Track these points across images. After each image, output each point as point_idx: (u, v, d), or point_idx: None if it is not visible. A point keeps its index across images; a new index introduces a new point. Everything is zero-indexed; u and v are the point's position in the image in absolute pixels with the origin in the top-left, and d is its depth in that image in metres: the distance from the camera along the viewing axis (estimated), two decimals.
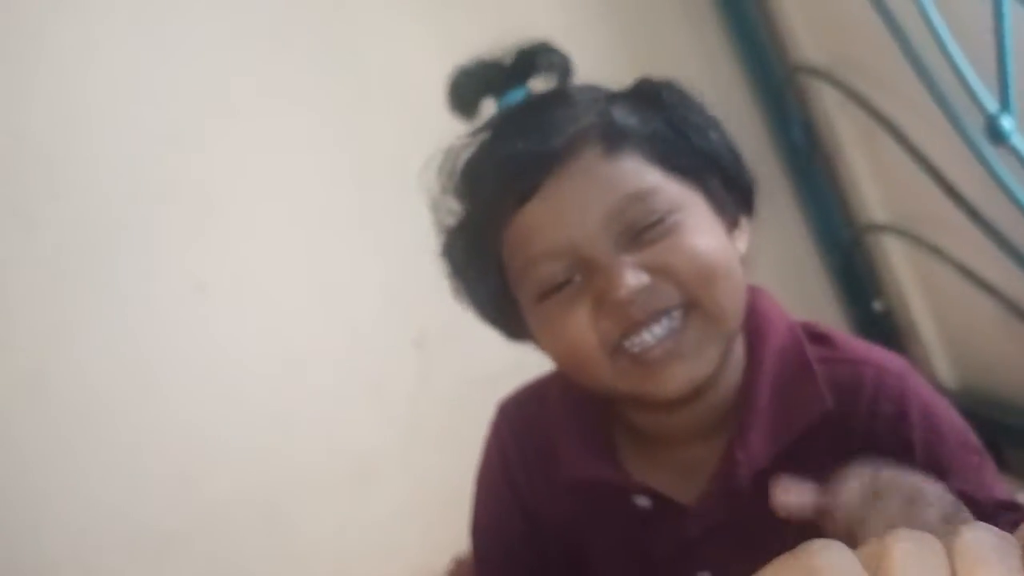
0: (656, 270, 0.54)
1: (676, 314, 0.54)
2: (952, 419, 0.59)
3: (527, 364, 1.17)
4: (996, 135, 0.70)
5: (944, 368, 1.10)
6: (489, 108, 0.63)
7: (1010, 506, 0.57)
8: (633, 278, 0.53)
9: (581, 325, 0.55)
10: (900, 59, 0.86)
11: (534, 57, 0.62)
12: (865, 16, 0.89)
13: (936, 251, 0.99)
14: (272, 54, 1.11)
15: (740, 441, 0.57)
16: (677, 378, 0.54)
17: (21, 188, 1.07)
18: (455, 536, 1.06)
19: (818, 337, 0.62)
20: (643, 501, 0.60)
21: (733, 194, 0.60)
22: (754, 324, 0.61)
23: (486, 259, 0.59)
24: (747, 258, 0.60)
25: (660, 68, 1.21)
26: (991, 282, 0.92)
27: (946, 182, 0.91)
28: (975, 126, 0.76)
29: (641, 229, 0.55)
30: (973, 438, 0.60)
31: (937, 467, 0.54)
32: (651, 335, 0.54)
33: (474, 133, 0.61)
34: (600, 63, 1.27)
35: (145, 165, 1.08)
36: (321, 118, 1.11)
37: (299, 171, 1.12)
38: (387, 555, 1.07)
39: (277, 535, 1.07)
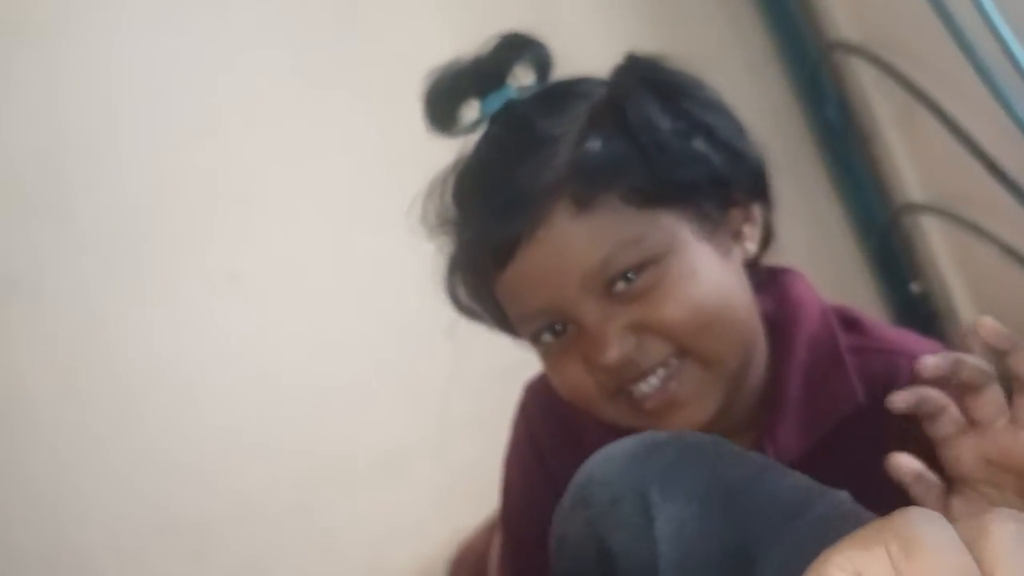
0: (644, 328, 0.53)
1: (672, 362, 0.54)
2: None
3: None
4: None
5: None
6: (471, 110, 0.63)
7: None
8: (618, 346, 0.53)
9: (577, 374, 0.55)
10: (940, 34, 0.83)
11: (511, 53, 0.61)
12: None
13: (976, 230, 0.97)
14: (304, 42, 1.11)
15: (769, 436, 0.56)
16: (678, 423, 0.54)
17: (54, 182, 1.08)
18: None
19: (852, 323, 0.61)
20: None
21: (736, 187, 0.57)
22: (786, 310, 0.60)
23: (487, 304, 0.60)
24: (758, 254, 0.59)
25: (690, 45, 1.20)
26: None
27: (990, 160, 0.88)
28: (1021, 103, 0.74)
29: (624, 286, 0.54)
30: None
31: None
32: (648, 385, 0.54)
33: (451, 169, 0.62)
34: (628, 38, 1.25)
35: (178, 157, 1.09)
36: (354, 107, 1.11)
37: (331, 162, 1.11)
38: (418, 545, 1.07)
39: (309, 525, 1.07)
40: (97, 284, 1.08)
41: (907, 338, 0.61)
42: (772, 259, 1.21)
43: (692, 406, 0.54)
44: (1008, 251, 0.92)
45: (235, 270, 1.10)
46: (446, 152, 1.13)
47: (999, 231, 0.94)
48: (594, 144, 0.55)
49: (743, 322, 0.56)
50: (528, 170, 0.55)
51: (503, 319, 0.60)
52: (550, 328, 0.56)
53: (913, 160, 1.07)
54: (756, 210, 0.59)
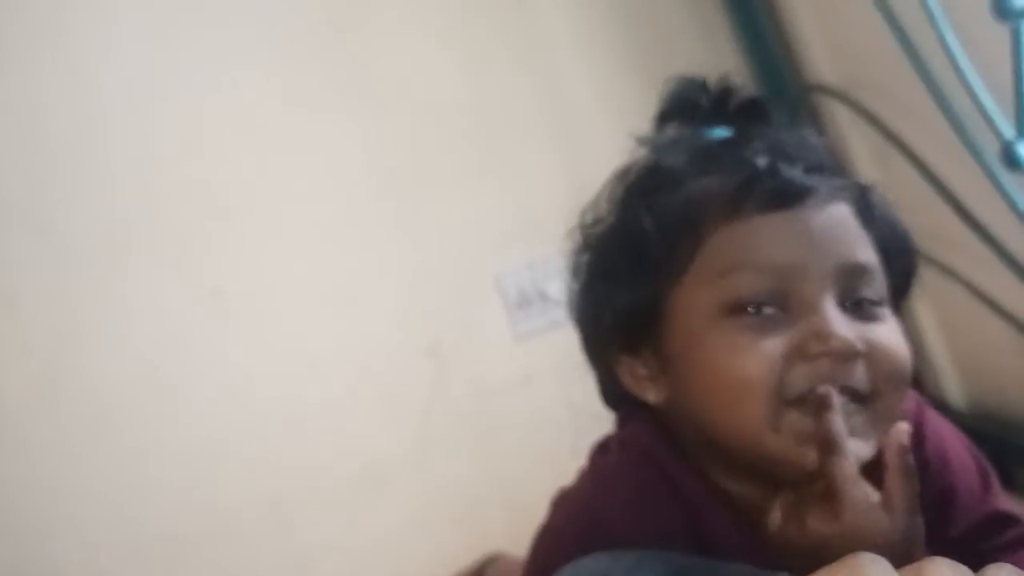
0: (864, 347, 0.51)
1: (855, 401, 0.51)
2: (957, 445, 0.60)
3: (537, 378, 1.18)
4: (1012, 161, 0.71)
5: (954, 388, 1.10)
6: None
7: (1012, 520, 0.57)
8: (851, 332, 0.50)
9: (769, 357, 0.50)
10: (915, 81, 0.87)
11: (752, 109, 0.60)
12: (881, 37, 0.90)
13: (948, 272, 1.00)
14: (294, 62, 1.12)
15: None
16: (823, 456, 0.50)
17: (35, 192, 1.08)
18: (466, 545, 1.07)
19: None
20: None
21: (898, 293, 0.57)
22: None
23: (675, 247, 0.53)
24: None
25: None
26: (1002, 304, 0.92)
27: (959, 204, 0.92)
28: (990, 151, 0.77)
29: (860, 302, 0.52)
30: (978, 458, 0.60)
31: (947, 491, 0.56)
32: (833, 396, 0.50)
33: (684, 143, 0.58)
34: (613, 81, 1.28)
35: (162, 169, 1.09)
36: (341, 127, 1.12)
37: (317, 179, 1.12)
38: (397, 563, 1.07)
39: (287, 542, 1.07)
40: (77, 296, 1.08)
41: None
42: None
43: (852, 443, 0.50)
44: (977, 294, 0.95)
45: (218, 285, 1.10)
46: (436, 176, 1.15)
47: (969, 272, 0.97)
48: (867, 196, 0.56)
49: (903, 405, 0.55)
50: (826, 161, 0.56)
51: (650, 293, 0.54)
52: (749, 303, 0.51)
53: (890, 201, 1.10)
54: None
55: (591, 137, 1.17)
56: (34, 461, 1.05)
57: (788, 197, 0.52)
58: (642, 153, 0.60)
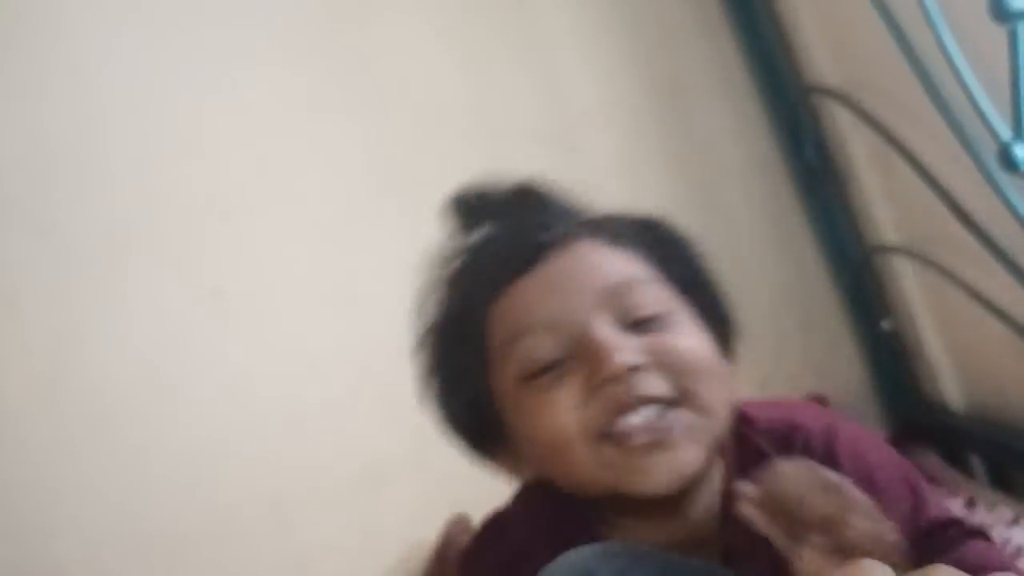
0: (650, 356, 0.53)
1: (664, 407, 0.53)
2: (881, 455, 0.60)
3: None
4: (1009, 163, 0.71)
5: (951, 390, 1.10)
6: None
7: (950, 523, 0.58)
8: (627, 354, 0.52)
9: (566, 407, 0.53)
10: (915, 83, 0.87)
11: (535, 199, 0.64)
12: (880, 39, 0.90)
13: (946, 273, 1.00)
14: (294, 61, 1.12)
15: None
16: (662, 469, 0.52)
17: (36, 191, 1.08)
18: None
19: (748, 420, 0.62)
20: None
21: (717, 329, 0.60)
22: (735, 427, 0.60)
23: (471, 341, 0.58)
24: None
25: (676, 86, 1.23)
26: (1001, 305, 0.93)
27: (957, 206, 0.92)
28: (988, 153, 0.77)
29: (635, 319, 0.55)
30: (904, 467, 0.60)
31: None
32: (638, 417, 0.52)
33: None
34: (615, 82, 1.28)
35: (161, 169, 1.10)
36: (341, 127, 1.12)
37: (317, 179, 1.13)
38: (395, 560, 1.07)
39: (287, 540, 1.07)
40: (78, 296, 1.08)
41: (794, 412, 0.63)
42: (746, 293, 1.23)
43: (678, 452, 0.52)
44: (975, 295, 0.95)
45: (218, 285, 1.11)
46: (436, 176, 1.15)
47: (967, 274, 0.97)
48: (621, 222, 0.61)
49: (729, 396, 0.57)
50: (564, 213, 0.60)
51: (472, 377, 0.58)
52: (541, 365, 0.54)
53: (887, 202, 1.11)
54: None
55: (590, 137, 1.17)
56: (35, 460, 1.05)
57: (526, 258, 0.56)
58: (439, 263, 0.65)
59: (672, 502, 0.54)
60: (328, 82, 1.13)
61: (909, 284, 1.11)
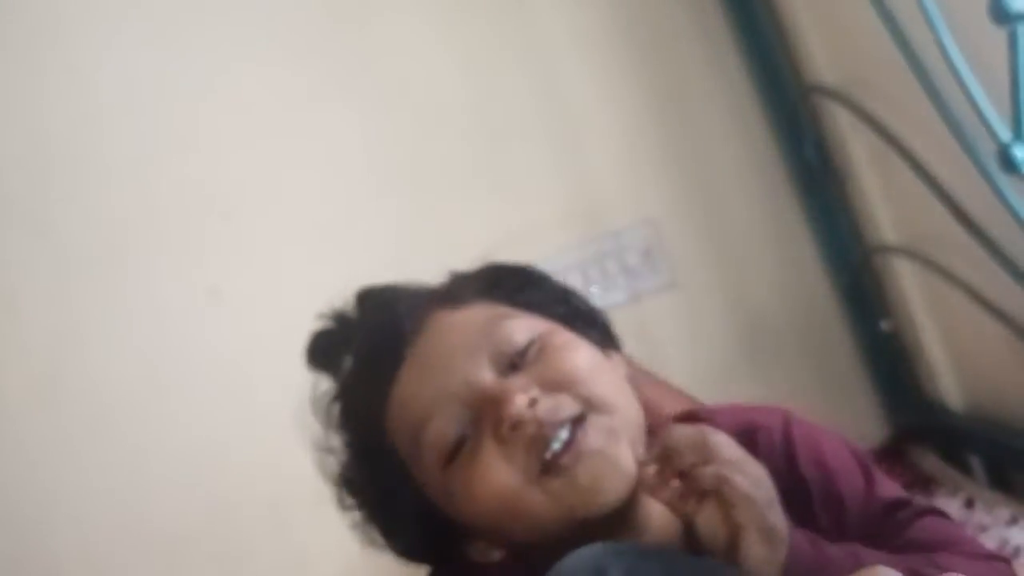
0: (540, 384, 0.55)
1: (576, 422, 0.55)
2: (834, 447, 0.62)
3: None
4: (1008, 164, 0.71)
5: (951, 390, 1.10)
6: None
7: (901, 503, 0.60)
8: (522, 393, 0.54)
9: (494, 466, 0.55)
10: (914, 83, 0.87)
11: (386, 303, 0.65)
12: (880, 39, 0.90)
13: (945, 273, 1.00)
14: (293, 60, 1.12)
15: None
16: (605, 476, 0.54)
17: (34, 190, 1.08)
18: None
19: (697, 420, 0.63)
20: None
21: (590, 330, 0.61)
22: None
23: (383, 462, 0.59)
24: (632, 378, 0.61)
25: (675, 86, 1.23)
26: (1000, 306, 0.93)
27: (957, 206, 0.92)
28: (988, 154, 0.77)
29: (512, 356, 0.56)
30: (856, 452, 0.62)
31: (834, 498, 0.58)
32: (559, 441, 0.54)
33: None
34: (614, 82, 1.28)
35: (159, 169, 1.10)
36: (340, 127, 1.12)
37: (317, 178, 1.13)
38: (392, 561, 1.07)
39: (285, 538, 1.07)
40: (76, 294, 1.08)
41: (745, 413, 0.64)
42: (745, 292, 1.23)
43: (609, 451, 0.54)
44: (975, 295, 0.95)
45: (216, 284, 1.11)
46: (434, 175, 1.15)
47: (967, 274, 0.97)
48: (458, 278, 0.63)
49: (629, 393, 0.59)
50: (405, 300, 0.62)
51: (402, 491, 0.59)
52: (451, 446, 0.56)
53: (887, 202, 1.11)
54: (614, 354, 0.63)
55: (590, 137, 1.17)
56: (34, 459, 1.05)
57: (394, 359, 0.58)
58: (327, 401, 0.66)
59: (627, 516, 0.56)
60: (328, 81, 1.13)
61: (908, 284, 1.11)
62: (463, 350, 0.57)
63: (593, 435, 0.54)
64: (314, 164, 1.13)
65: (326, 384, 0.65)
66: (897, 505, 0.59)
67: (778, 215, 1.18)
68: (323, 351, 0.65)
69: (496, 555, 0.61)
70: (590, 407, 0.55)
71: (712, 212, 1.18)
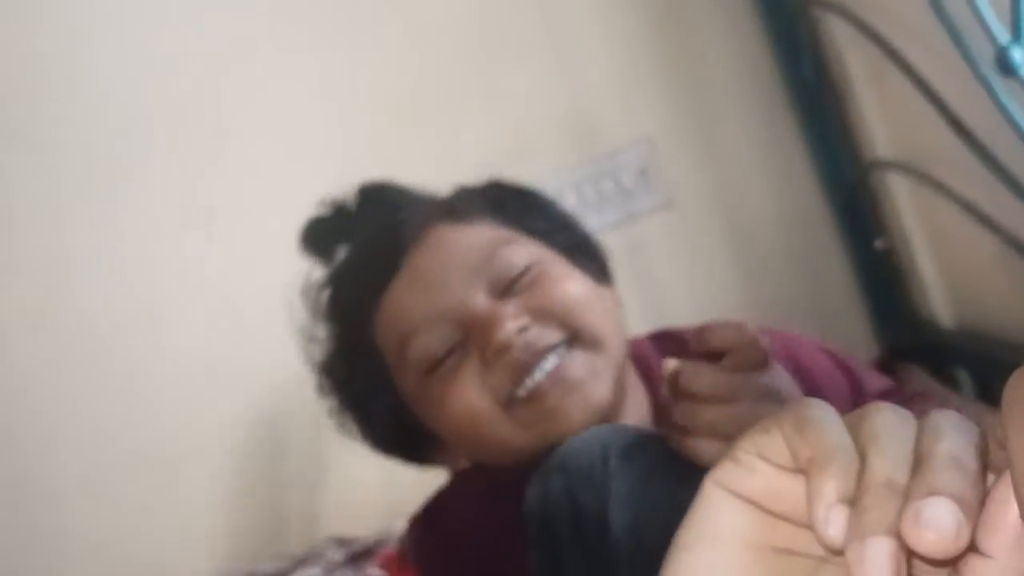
0: (532, 312, 0.56)
1: (561, 350, 0.56)
2: (812, 354, 0.63)
3: None
4: (1006, 67, 0.70)
5: (941, 307, 1.11)
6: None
7: (889, 391, 0.62)
8: (512, 320, 0.55)
9: (471, 386, 0.56)
10: None
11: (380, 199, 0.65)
12: None
13: (940, 187, 0.99)
14: None
15: None
16: (577, 408, 0.55)
17: (24, 110, 1.07)
18: None
19: (678, 340, 0.64)
20: None
21: (587, 262, 0.62)
22: (644, 371, 0.63)
23: (366, 361, 0.60)
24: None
25: (671, 1, 1.19)
26: (995, 220, 0.92)
27: (954, 117, 0.91)
28: (986, 61, 0.76)
29: (508, 281, 0.57)
30: (835, 356, 0.64)
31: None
32: (541, 371, 0.55)
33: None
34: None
35: (153, 89, 1.08)
36: (333, 42, 1.10)
37: (309, 97, 1.11)
38: (385, 482, 1.09)
39: (282, 457, 1.09)
40: (69, 215, 1.08)
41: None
42: (740, 210, 1.22)
43: (587, 386, 0.55)
44: (969, 209, 0.95)
45: (210, 204, 1.10)
46: (432, 103, 1.13)
47: (964, 190, 0.96)
48: (463, 193, 0.63)
49: (619, 323, 0.59)
50: (408, 206, 0.62)
51: (381, 391, 0.60)
52: (436, 358, 0.57)
53: (883, 117, 1.09)
54: (608, 287, 0.63)
55: (585, 54, 1.15)
56: (28, 382, 1.06)
57: (390, 264, 0.58)
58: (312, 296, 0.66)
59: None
60: (326, 5, 1.10)
61: (903, 202, 1.11)
62: (461, 270, 0.57)
63: (576, 366, 0.55)
64: (308, 81, 1.11)
65: (319, 274, 0.65)
66: (886, 394, 0.61)
67: (774, 133, 1.17)
68: (318, 238, 0.65)
69: (460, 461, 0.63)
70: (578, 339, 0.56)
71: (708, 130, 1.16)
